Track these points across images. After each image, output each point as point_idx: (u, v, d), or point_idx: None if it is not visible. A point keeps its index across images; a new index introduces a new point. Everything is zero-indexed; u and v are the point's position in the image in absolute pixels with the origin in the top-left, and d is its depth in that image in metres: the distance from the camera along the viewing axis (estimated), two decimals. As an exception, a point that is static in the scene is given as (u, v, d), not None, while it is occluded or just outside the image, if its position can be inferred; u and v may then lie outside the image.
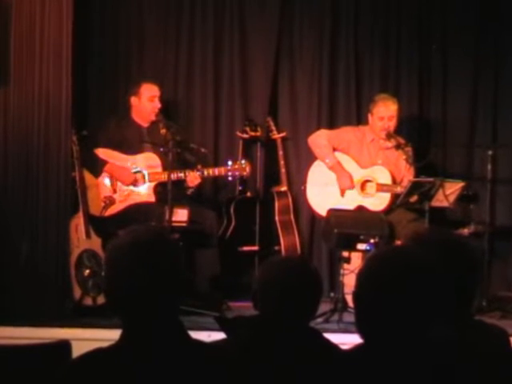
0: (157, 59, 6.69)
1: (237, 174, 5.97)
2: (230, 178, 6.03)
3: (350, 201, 6.06)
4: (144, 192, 5.94)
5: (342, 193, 6.13)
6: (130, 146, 5.98)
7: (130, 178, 5.93)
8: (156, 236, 2.10)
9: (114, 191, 5.94)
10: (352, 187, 6.08)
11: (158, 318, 2.03)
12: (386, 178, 6.08)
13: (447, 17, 6.78)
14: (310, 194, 6.19)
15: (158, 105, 6.01)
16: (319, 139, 6.19)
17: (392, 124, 6.08)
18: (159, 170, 5.92)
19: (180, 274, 2.07)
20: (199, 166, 5.90)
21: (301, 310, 2.49)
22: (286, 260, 2.75)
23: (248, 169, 5.98)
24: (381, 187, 6.04)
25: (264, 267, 2.59)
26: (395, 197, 5.94)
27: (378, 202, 6.03)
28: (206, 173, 5.90)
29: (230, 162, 5.99)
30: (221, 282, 5.93)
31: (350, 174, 6.11)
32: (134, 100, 6.07)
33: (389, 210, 6.00)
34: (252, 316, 2.55)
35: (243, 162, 6.02)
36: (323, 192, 6.13)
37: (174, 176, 5.72)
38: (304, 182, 6.24)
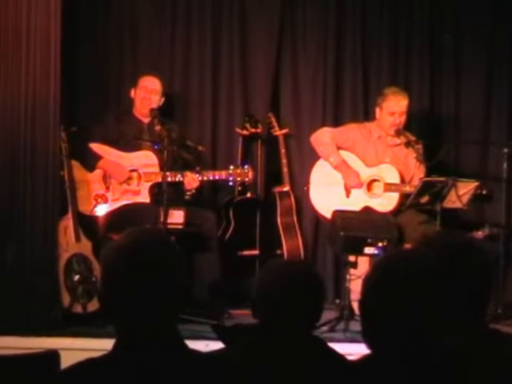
0: (151, 51, 6.70)
1: (238, 179, 5.98)
2: (230, 183, 6.04)
3: (356, 201, 6.06)
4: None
5: (348, 193, 6.13)
6: (126, 143, 5.98)
7: (125, 176, 5.93)
8: (156, 238, 2.10)
9: (107, 189, 5.94)
10: (360, 186, 6.08)
11: (155, 326, 2.03)
12: (394, 177, 6.08)
13: (460, 7, 6.79)
14: (314, 195, 6.19)
15: (152, 98, 6.00)
16: (322, 137, 6.18)
17: (402, 120, 6.09)
18: (156, 169, 5.92)
19: (180, 279, 2.07)
20: (198, 168, 5.90)
21: (303, 318, 2.49)
22: (287, 264, 2.75)
23: (250, 174, 5.99)
24: (388, 187, 6.05)
25: (263, 272, 2.59)
26: (404, 197, 5.95)
27: (385, 202, 6.04)
28: (205, 177, 5.91)
29: (231, 167, 6.00)
30: (220, 289, 5.93)
31: (357, 171, 6.11)
32: (132, 92, 6.11)
33: (398, 211, 6.01)
34: (251, 324, 2.55)
35: (246, 167, 6.02)
36: (327, 193, 6.13)
37: (170, 178, 5.73)
38: (307, 182, 6.24)
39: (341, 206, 5.92)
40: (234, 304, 5.88)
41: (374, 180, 6.12)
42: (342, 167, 6.12)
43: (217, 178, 5.97)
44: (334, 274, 6.66)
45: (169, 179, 5.67)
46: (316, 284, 2.56)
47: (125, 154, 5.97)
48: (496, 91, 6.80)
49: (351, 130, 6.24)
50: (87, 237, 5.66)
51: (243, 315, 5.51)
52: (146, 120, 6.09)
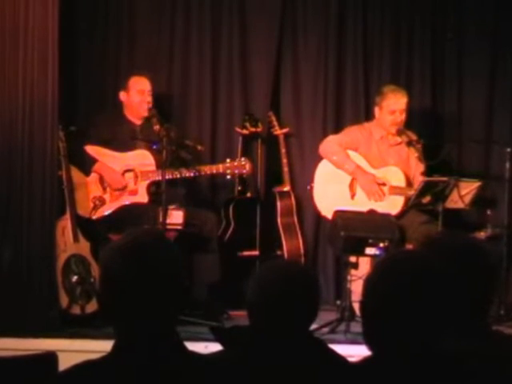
0: (149, 49, 6.69)
1: (236, 171, 5.96)
2: (228, 177, 6.02)
3: (361, 203, 6.00)
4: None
5: (353, 194, 6.10)
6: (120, 144, 5.98)
7: (120, 182, 5.92)
8: (155, 239, 2.10)
9: (104, 190, 5.94)
10: (381, 196, 6.01)
11: (154, 327, 2.03)
12: (399, 180, 6.05)
13: (462, 5, 6.78)
14: (317, 195, 6.16)
15: (147, 99, 6.00)
16: (331, 146, 6.11)
17: (403, 118, 6.08)
18: (153, 168, 5.92)
19: (180, 280, 2.07)
20: (196, 168, 5.88)
21: (299, 319, 2.48)
22: (282, 265, 2.74)
23: (248, 166, 5.97)
24: (393, 190, 6.02)
25: (258, 274, 2.58)
26: (409, 200, 5.92)
27: (390, 206, 5.99)
28: (202, 172, 5.90)
29: (228, 160, 5.99)
30: (219, 290, 5.93)
31: (373, 174, 6.06)
32: (123, 95, 6.07)
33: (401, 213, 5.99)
34: (249, 326, 2.55)
35: (243, 159, 6.02)
36: (332, 193, 6.10)
37: (168, 175, 5.72)
38: (311, 181, 6.22)
39: (345, 207, 5.89)
40: (233, 305, 5.88)
41: (381, 184, 6.08)
42: (358, 173, 6.07)
43: (214, 172, 5.96)
44: (334, 274, 6.66)
45: (167, 176, 5.67)
46: (312, 283, 2.55)
47: (120, 155, 5.97)
48: (499, 90, 6.79)
49: (353, 133, 6.21)
50: (85, 237, 5.66)
51: (243, 316, 5.50)
52: (139, 122, 6.07)
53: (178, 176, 5.85)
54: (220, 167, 5.96)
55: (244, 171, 5.99)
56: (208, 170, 5.95)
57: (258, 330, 2.47)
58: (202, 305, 5.66)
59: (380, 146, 6.18)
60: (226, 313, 5.81)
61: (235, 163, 5.96)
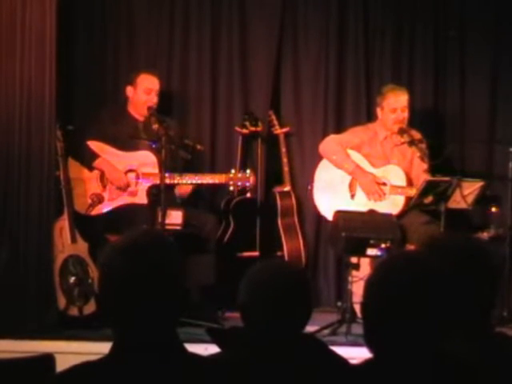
0: (148, 47, 6.69)
1: (239, 184, 5.92)
2: (231, 188, 5.98)
3: (361, 204, 6.01)
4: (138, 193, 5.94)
5: (353, 195, 6.10)
6: (124, 142, 5.96)
7: (122, 180, 5.90)
8: (155, 240, 2.11)
9: (104, 188, 5.92)
10: (381, 195, 6.02)
11: (154, 329, 2.04)
12: (400, 179, 6.05)
13: (465, 3, 6.79)
14: (317, 196, 6.16)
15: (153, 99, 5.98)
16: (332, 145, 6.12)
17: (406, 115, 6.08)
18: (155, 168, 5.88)
19: (179, 280, 2.08)
20: (197, 178, 5.89)
21: (292, 320, 2.48)
22: (271, 265, 2.75)
23: (252, 179, 5.91)
24: (394, 190, 6.02)
25: (247, 275, 2.59)
26: (410, 200, 5.92)
27: (391, 205, 6.00)
28: (205, 180, 5.88)
29: (232, 171, 5.96)
30: (217, 291, 5.92)
31: (373, 174, 6.06)
32: (129, 90, 6.05)
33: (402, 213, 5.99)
34: (245, 327, 2.55)
35: (248, 171, 5.97)
36: (332, 193, 6.11)
37: (169, 180, 5.71)
38: (311, 181, 6.22)
39: (345, 207, 5.89)
40: (232, 306, 5.87)
41: (381, 183, 6.08)
42: (358, 172, 6.07)
43: (217, 181, 5.93)
44: (335, 275, 6.66)
45: (168, 181, 5.66)
46: (304, 283, 2.55)
47: (123, 154, 5.96)
48: (502, 89, 6.79)
49: (357, 133, 6.21)
50: (83, 238, 5.66)
51: (237, 318, 5.49)
52: (142, 118, 6.05)
53: (180, 182, 5.84)
54: (223, 177, 5.92)
55: (247, 184, 5.94)
56: (211, 178, 5.92)
57: (252, 331, 2.47)
58: (197, 306, 5.64)
59: (385, 145, 6.18)
60: (217, 315, 5.80)
61: (239, 175, 5.91)
